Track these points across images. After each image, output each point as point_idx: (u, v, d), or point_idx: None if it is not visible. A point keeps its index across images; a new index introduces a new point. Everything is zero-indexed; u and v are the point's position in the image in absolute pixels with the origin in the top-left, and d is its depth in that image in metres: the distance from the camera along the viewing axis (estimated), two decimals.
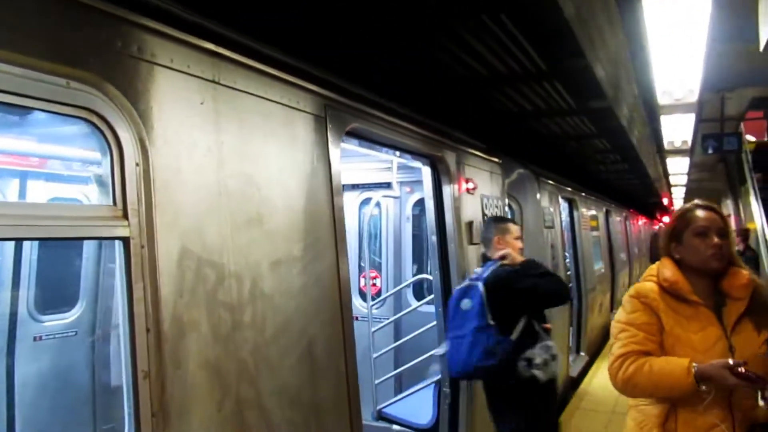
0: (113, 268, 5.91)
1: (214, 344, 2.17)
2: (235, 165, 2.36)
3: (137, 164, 1.94)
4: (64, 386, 5.42)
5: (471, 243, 4.77)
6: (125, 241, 1.90)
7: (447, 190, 4.52)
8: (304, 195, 2.77)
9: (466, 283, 4.03)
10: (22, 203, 1.86)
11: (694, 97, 5.75)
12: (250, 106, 2.49)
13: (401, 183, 6.00)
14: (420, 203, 6.67)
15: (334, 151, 3.01)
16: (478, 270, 4.10)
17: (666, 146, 9.28)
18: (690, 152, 9.87)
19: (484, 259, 4.20)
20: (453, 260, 4.48)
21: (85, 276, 5.70)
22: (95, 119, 1.84)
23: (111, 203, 1.89)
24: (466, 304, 3.88)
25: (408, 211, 6.49)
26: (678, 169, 13.21)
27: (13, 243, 5.10)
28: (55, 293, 5.65)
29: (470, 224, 4.78)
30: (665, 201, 25.54)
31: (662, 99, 5.82)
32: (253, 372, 2.33)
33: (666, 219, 43.77)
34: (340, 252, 2.96)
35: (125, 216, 1.90)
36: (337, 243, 2.95)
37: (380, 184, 6.18)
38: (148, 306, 1.92)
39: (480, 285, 3.85)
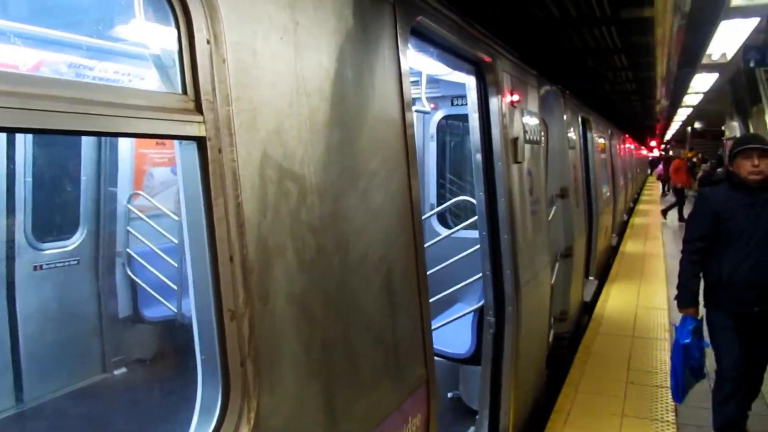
0: (114, 192, 5.45)
1: (300, 274, 1.76)
2: (313, 54, 1.89)
3: (208, 42, 1.47)
4: (69, 317, 5.05)
5: (516, 162, 4.36)
6: (200, 142, 1.45)
7: (494, 103, 4.07)
8: (377, 98, 2.32)
9: None
10: (60, 80, 1.30)
11: None
12: None
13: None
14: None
15: (404, 50, 2.54)
16: None
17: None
18: (721, 66, 9.38)
19: None
20: (500, 180, 4.08)
21: (85, 200, 5.23)
22: None
23: (180, 91, 1.43)
24: None
25: (432, 129, 6.02)
26: (699, 87, 12.69)
27: (4, 162, 4.59)
28: (54, 219, 5.18)
29: (515, 141, 4.36)
30: (658, 126, 25.30)
31: None
32: (339, 306, 1.95)
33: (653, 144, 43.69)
34: (412, 171, 2.54)
35: (198, 109, 1.44)
36: (409, 161, 2.53)
37: None
38: (230, 228, 1.50)
39: None
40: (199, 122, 1.44)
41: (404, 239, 2.46)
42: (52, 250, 5.02)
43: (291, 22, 1.79)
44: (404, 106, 2.52)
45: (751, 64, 8.17)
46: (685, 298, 4.34)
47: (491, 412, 4.14)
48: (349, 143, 2.07)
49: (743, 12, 5.98)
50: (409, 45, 3.50)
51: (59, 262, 5.05)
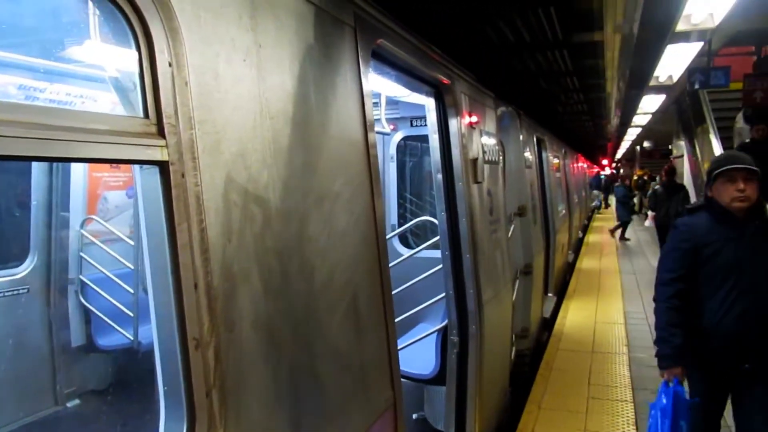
0: (66, 217, 5.29)
1: (266, 299, 1.73)
2: (276, 76, 1.87)
3: (170, 64, 1.44)
4: (18, 347, 4.84)
5: (476, 181, 4.40)
6: (162, 167, 1.41)
7: (454, 124, 4.11)
8: (340, 119, 2.32)
9: None
10: (17, 104, 1.24)
11: (712, 23, 5.45)
12: (285, 1, 1.99)
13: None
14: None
15: (365, 72, 2.55)
16: None
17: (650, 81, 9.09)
18: (668, 88, 9.75)
19: None
20: (461, 200, 4.11)
21: (36, 225, 5.05)
22: None
23: (141, 115, 1.40)
24: None
25: (392, 150, 6.06)
26: (648, 108, 13.15)
27: None
28: (2, 246, 4.99)
29: (475, 161, 4.41)
30: (609, 146, 26.05)
31: (680, 24, 5.50)
32: (305, 331, 1.91)
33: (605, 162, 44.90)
34: (376, 192, 2.54)
35: (161, 133, 1.41)
36: (372, 181, 2.53)
37: None
38: (194, 254, 1.46)
39: None
40: (161, 146, 1.40)
41: (369, 260, 2.45)
42: (1, 278, 4.82)
43: (254, 45, 1.78)
44: (367, 127, 2.53)
45: (696, 86, 8.53)
46: (666, 355, 3.43)
47: None
48: (313, 165, 2.06)
49: (687, 37, 6.25)
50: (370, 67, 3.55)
51: (8, 291, 4.85)
